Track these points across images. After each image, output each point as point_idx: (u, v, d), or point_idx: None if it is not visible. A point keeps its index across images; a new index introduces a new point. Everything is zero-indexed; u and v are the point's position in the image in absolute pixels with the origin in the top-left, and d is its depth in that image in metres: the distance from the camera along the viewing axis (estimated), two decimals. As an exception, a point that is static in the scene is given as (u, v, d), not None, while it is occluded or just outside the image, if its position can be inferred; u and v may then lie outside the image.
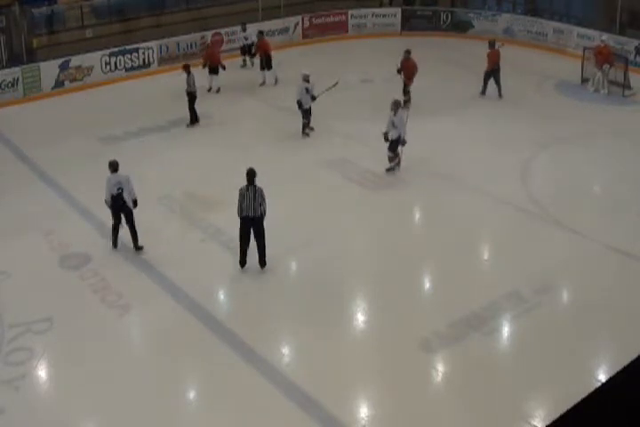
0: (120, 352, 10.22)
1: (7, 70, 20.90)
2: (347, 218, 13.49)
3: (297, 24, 25.13)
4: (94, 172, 15.08)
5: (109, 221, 12.64)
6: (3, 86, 20.17)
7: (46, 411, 9.30)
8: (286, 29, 24.97)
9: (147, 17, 23.75)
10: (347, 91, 19.77)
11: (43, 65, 21.04)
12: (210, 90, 19.69)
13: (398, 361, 9.81)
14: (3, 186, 14.87)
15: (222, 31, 23.60)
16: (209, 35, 23.41)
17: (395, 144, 15.00)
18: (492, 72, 19.61)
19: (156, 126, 17.84)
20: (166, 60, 22.30)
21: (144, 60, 22.07)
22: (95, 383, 9.58)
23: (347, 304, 11.23)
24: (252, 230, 11.54)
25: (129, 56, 21.88)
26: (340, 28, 25.74)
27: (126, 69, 21.68)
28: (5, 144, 17.21)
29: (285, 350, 10.21)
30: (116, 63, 21.57)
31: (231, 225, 13.00)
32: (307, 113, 16.72)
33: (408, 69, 18.81)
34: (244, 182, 11.60)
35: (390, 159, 15.13)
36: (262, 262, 11.67)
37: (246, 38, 22.20)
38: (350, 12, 26.02)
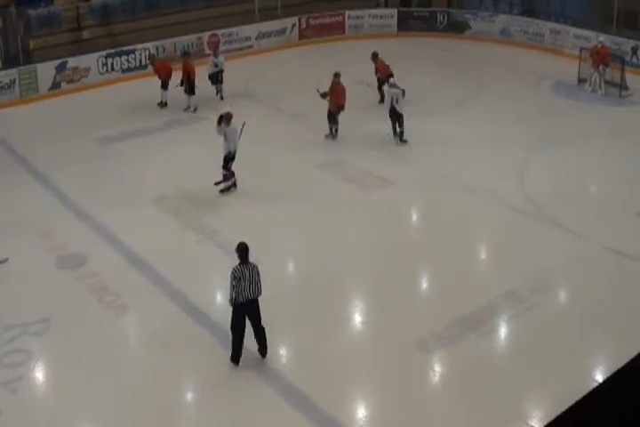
0: (117, 353, 10.20)
1: (4, 72, 20.89)
2: (344, 218, 13.51)
3: (294, 25, 25.14)
4: (91, 172, 15.17)
5: (107, 222, 12.62)
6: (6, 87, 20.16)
7: (43, 413, 9.29)
8: (283, 30, 24.97)
9: (143, 18, 23.74)
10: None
11: (39, 66, 21.03)
12: (160, 103, 19.42)
13: (396, 361, 9.82)
14: None
15: (219, 32, 23.60)
16: (205, 36, 23.42)
17: (226, 161, 14.15)
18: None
19: (152, 127, 17.84)
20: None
21: (140, 61, 22.06)
22: (92, 385, 9.56)
23: (344, 304, 11.25)
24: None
25: (125, 57, 21.87)
26: (337, 29, 25.77)
27: (123, 71, 21.66)
28: (2, 145, 17.19)
29: (283, 351, 10.19)
30: (112, 64, 21.55)
31: (226, 226, 13.11)
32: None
33: (337, 95, 16.51)
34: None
35: (224, 178, 14.24)
36: (264, 350, 9.81)
37: (216, 65, 19.50)
38: (347, 12, 26.05)
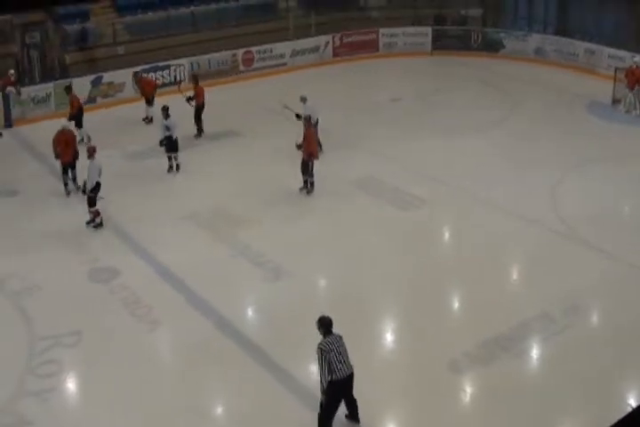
0: (149, 367, 10.24)
1: (40, 86, 21.25)
2: (375, 236, 13.46)
3: (327, 43, 25.27)
4: (121, 187, 15.27)
5: (139, 237, 12.72)
6: (36, 101, 20.46)
7: (74, 424, 9.33)
8: (317, 48, 25.10)
9: (178, 34, 24.00)
10: (377, 110, 19.89)
11: (75, 81, 21.28)
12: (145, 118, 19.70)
13: (427, 381, 9.75)
14: (34, 200, 15.03)
15: (253, 49, 23.78)
16: (240, 53, 23.61)
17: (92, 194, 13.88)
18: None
19: (185, 143, 17.95)
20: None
21: (175, 76, 22.29)
22: (123, 397, 9.61)
23: (376, 323, 11.20)
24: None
25: (160, 73, 22.12)
26: (370, 47, 25.84)
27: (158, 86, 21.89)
28: (37, 158, 17.41)
29: (314, 368, 10.13)
30: (151, 79, 21.75)
31: (259, 241, 13.16)
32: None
33: (311, 142, 14.91)
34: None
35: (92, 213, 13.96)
36: (357, 416, 8.99)
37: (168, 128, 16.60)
38: (381, 30, 26.13)
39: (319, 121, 16.70)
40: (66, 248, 13.33)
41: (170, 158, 16.23)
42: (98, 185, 13.82)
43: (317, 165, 15.24)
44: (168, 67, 22.36)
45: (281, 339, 10.59)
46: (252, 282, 12.16)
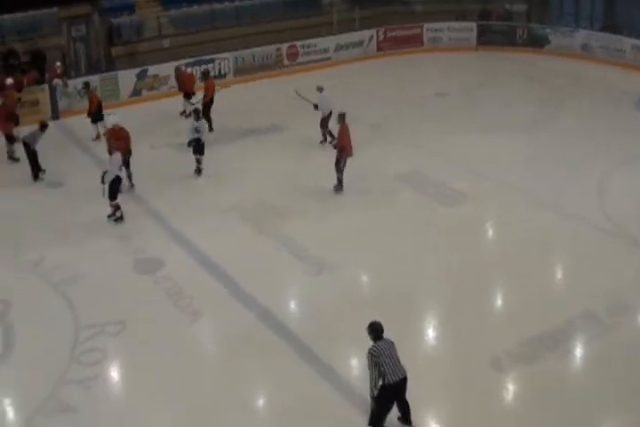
0: (190, 357, 10.29)
1: (86, 78, 21.38)
2: (418, 232, 13.37)
3: (372, 37, 25.20)
4: (169, 178, 15.38)
5: (182, 228, 12.79)
6: (82, 93, 20.65)
7: (117, 412, 9.41)
8: (361, 43, 25.05)
9: (223, 28, 24.11)
10: (422, 104, 19.78)
11: (121, 73, 21.54)
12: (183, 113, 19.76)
13: (468, 379, 9.64)
14: (79, 192, 15.16)
15: (298, 44, 23.80)
16: (284, 47, 23.63)
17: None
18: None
19: (227, 137, 18.05)
20: (242, 71, 22.57)
21: (220, 70, 22.39)
22: (165, 387, 9.68)
23: (418, 320, 11.13)
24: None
25: (205, 66, 22.21)
26: (415, 42, 25.72)
27: (202, 80, 21.97)
28: (84, 150, 17.61)
29: (355, 362, 10.13)
30: (192, 73, 21.86)
31: (302, 235, 13.16)
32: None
33: (343, 138, 14.73)
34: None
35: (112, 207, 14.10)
36: (410, 419, 8.86)
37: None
38: (426, 25, 26.00)
39: (332, 113, 16.72)
40: (110, 239, 13.48)
41: (198, 161, 16.06)
42: (117, 179, 13.93)
43: (362, 159, 15.19)
44: (212, 60, 22.48)
45: (322, 333, 10.57)
46: (295, 275, 12.17)
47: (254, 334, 10.64)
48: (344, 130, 14.68)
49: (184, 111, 19.76)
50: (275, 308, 11.21)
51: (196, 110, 16.18)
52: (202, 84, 19.26)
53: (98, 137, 18.26)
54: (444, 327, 11.00)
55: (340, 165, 14.77)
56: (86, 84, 19.20)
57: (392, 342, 8.44)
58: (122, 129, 15.17)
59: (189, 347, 10.55)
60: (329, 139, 17.00)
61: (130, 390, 9.98)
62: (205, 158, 16.03)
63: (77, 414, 9.29)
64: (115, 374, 10.32)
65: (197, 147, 15.90)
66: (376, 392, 8.32)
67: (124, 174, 14.47)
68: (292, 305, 11.76)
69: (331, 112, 16.91)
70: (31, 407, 9.49)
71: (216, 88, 18.66)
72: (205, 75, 19.46)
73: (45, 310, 11.56)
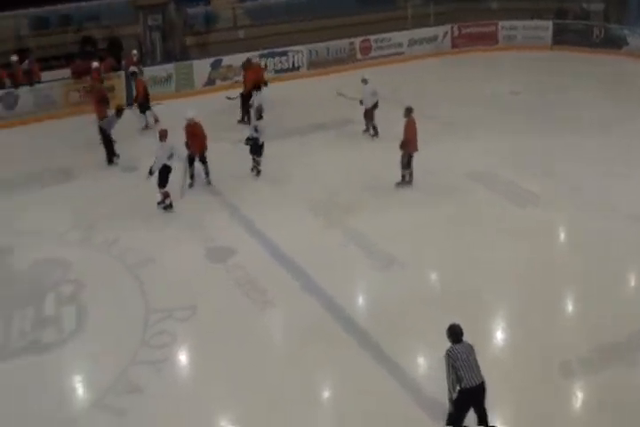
0: (258, 345, 10.40)
1: (161, 66, 21.85)
2: (489, 232, 13.19)
3: (446, 33, 25.05)
4: (240, 169, 15.51)
5: (256, 218, 13.12)
6: (157, 81, 21.00)
7: (184, 396, 9.53)
8: (435, 38, 24.93)
9: (297, 21, 24.24)
10: (495, 102, 19.58)
11: (195, 63, 21.84)
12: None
13: (536, 382, 9.47)
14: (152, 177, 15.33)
15: (371, 38, 23.77)
16: (357, 41, 23.64)
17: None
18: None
19: (299, 130, 18.16)
20: (315, 64, 22.65)
21: (293, 63, 22.52)
22: (231, 373, 9.81)
23: (487, 320, 10.99)
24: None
25: (279, 58, 22.40)
26: (489, 39, 25.46)
27: (275, 71, 22.20)
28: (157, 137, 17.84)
29: (422, 360, 10.12)
30: (265, 65, 22.05)
31: (372, 230, 13.17)
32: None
33: (409, 133, 14.65)
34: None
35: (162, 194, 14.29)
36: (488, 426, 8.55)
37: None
38: (501, 23, 25.71)
39: (378, 104, 16.94)
40: (183, 226, 13.71)
41: (254, 160, 15.80)
42: (166, 167, 14.03)
43: (433, 155, 15.13)
44: (286, 53, 22.62)
45: (389, 329, 10.53)
46: (363, 270, 12.17)
47: (322, 326, 10.67)
48: (410, 124, 14.60)
49: (251, 105, 19.83)
50: (343, 301, 11.24)
51: (258, 108, 15.86)
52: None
53: (147, 126, 18.53)
54: (513, 329, 10.86)
55: (404, 161, 14.70)
56: (133, 74, 19.49)
57: (471, 346, 8.27)
58: (196, 124, 15.09)
59: (257, 336, 10.65)
60: (372, 131, 17.47)
61: (197, 376, 10.11)
62: (278, 150, 16.09)
63: (146, 395, 9.48)
64: (183, 358, 10.51)
65: (255, 147, 15.55)
66: (454, 395, 8.22)
67: (175, 164, 14.33)
68: (360, 300, 11.78)
69: (375, 104, 17.16)
70: (102, 386, 9.74)
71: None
72: (245, 65, 19.59)
73: (117, 292, 11.85)
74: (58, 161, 17.07)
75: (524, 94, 20.25)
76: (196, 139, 14.89)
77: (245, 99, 18.78)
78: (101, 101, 17.84)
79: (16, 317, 11.29)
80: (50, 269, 12.55)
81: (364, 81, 17.41)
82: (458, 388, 8.12)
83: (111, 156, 16.76)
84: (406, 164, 14.74)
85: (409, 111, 14.63)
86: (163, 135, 14.14)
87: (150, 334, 10.67)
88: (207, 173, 15.27)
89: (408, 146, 14.57)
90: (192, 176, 15.18)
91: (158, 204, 14.32)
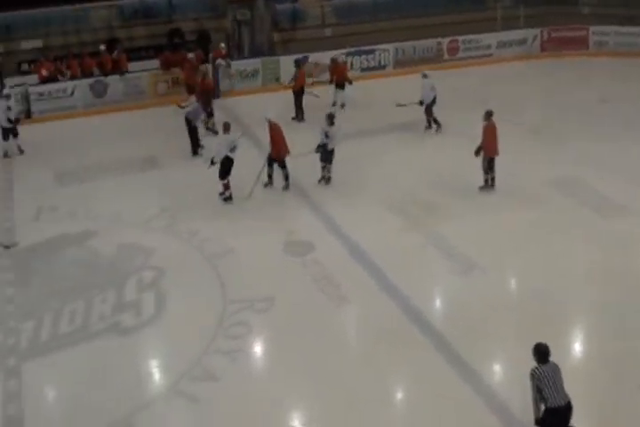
0: (332, 342, 10.41)
1: (249, 60, 22.09)
2: (571, 241, 12.85)
3: (536, 36, 24.62)
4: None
5: (335, 215, 13.17)
6: (243, 75, 21.24)
7: (257, 385, 9.67)
8: (524, 41, 24.53)
9: (384, 20, 24.17)
10: (583, 109, 19.16)
11: (282, 59, 21.95)
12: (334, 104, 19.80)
13: (616, 396, 9.16)
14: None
15: (459, 39, 23.55)
16: (445, 41, 23.45)
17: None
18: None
19: (386, 128, 18.10)
20: (402, 63, 22.55)
21: (379, 61, 22.48)
22: (304, 366, 9.85)
23: (566, 331, 10.72)
24: None
25: (365, 57, 22.39)
26: (580, 44, 24.89)
27: (362, 70, 22.18)
28: (242, 130, 17.97)
29: (498, 367, 9.98)
30: (351, 63, 22.08)
31: (452, 233, 13.06)
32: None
33: (487, 137, 14.39)
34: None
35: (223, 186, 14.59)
36: None
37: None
38: (592, 28, 25.10)
39: (436, 100, 17.12)
40: (264, 219, 13.86)
41: (323, 168, 15.28)
42: (227, 160, 14.23)
43: (517, 160, 14.89)
44: (373, 51, 22.59)
45: (467, 333, 10.37)
46: (441, 273, 12.07)
47: (397, 327, 10.62)
48: (489, 128, 14.40)
49: (334, 103, 19.91)
50: (420, 303, 11.15)
51: (329, 115, 15.23)
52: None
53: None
54: (592, 341, 10.58)
55: (484, 165, 14.52)
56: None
57: (557, 366, 8.01)
58: (273, 126, 14.93)
59: (332, 332, 10.67)
60: (434, 126, 17.64)
61: (271, 368, 10.20)
62: (357, 149, 16.02)
63: (220, 384, 9.61)
64: (258, 349, 10.64)
65: (324, 154, 15.08)
66: (540, 415, 7.98)
67: (234, 154, 14.43)
68: (438, 302, 11.70)
69: (434, 99, 17.41)
70: (178, 372, 9.91)
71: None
72: (298, 63, 19.68)
73: (196, 281, 12.04)
74: (144, 150, 17.47)
75: (614, 102, 19.72)
76: (272, 141, 14.84)
77: (298, 96, 18.94)
78: (206, 93, 18.01)
79: (97, 300, 11.59)
80: (132, 254, 12.84)
81: (425, 75, 17.59)
82: (543, 407, 7.89)
83: (196, 147, 17.02)
84: (487, 168, 14.57)
85: (489, 115, 14.45)
86: (226, 128, 14.49)
87: (227, 324, 10.81)
88: (285, 178, 15.03)
89: (485, 151, 14.37)
90: (269, 176, 15.07)
91: (220, 195, 14.53)
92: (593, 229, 13.34)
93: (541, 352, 7.99)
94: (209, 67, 20.61)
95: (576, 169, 15.63)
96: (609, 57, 24.10)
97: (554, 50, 24.67)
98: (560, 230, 13.19)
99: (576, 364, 9.95)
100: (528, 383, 7.87)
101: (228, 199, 14.52)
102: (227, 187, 14.47)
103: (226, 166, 14.31)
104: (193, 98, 17.62)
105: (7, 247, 13.18)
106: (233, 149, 14.34)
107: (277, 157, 14.81)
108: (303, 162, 15.23)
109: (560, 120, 18.35)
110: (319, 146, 14.97)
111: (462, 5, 25.05)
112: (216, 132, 17.30)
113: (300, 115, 18.84)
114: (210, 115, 18.32)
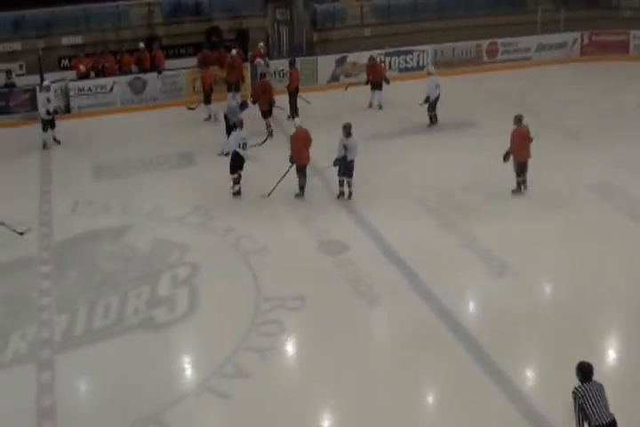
0: (363, 340, 10.42)
1: (287, 60, 21.99)
2: (608, 247, 12.62)
3: (576, 40, 24.39)
4: (358, 165, 15.37)
5: (369, 214, 13.15)
6: (282, 75, 21.27)
7: (288, 384, 9.69)
8: (564, 44, 24.31)
9: (424, 21, 24.09)
10: (621, 115, 18.94)
11: (320, 58, 22.01)
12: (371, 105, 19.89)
13: None
14: (271, 168, 15.37)
15: (499, 41, 23.40)
16: (484, 43, 23.32)
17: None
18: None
19: (422, 129, 18.08)
20: (440, 64, 22.43)
21: (418, 62, 22.41)
22: (335, 365, 9.82)
23: (598, 339, 10.58)
24: None
25: (404, 57, 22.35)
26: (620, 48, 24.58)
27: (400, 70, 22.15)
28: (278, 128, 18.06)
29: (530, 373, 9.86)
30: (390, 63, 22.05)
31: (487, 235, 12.98)
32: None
33: (515, 142, 14.27)
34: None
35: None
36: None
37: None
38: (632, 32, 24.79)
39: (440, 97, 17.50)
40: (299, 218, 13.89)
41: (341, 183, 14.54)
42: (235, 155, 14.43)
43: (554, 165, 14.76)
44: (411, 52, 22.57)
45: (500, 338, 10.25)
46: (476, 276, 11.96)
47: (429, 329, 10.55)
48: (518, 133, 14.27)
49: (370, 104, 19.87)
50: (453, 306, 11.08)
51: (345, 126, 14.22)
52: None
53: (210, 118, 19.24)
54: (626, 352, 10.34)
55: (515, 168, 14.42)
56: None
57: (601, 385, 7.80)
58: (298, 133, 14.66)
59: (364, 332, 10.66)
60: (433, 120, 18.04)
61: (302, 367, 10.22)
62: (391, 148, 15.90)
63: (251, 382, 9.62)
64: (291, 348, 10.62)
65: (343, 167, 14.28)
66: None
67: (244, 152, 14.64)
68: (471, 306, 11.61)
69: (438, 97, 17.74)
70: (209, 368, 9.95)
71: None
72: (291, 63, 19.75)
73: (230, 278, 12.10)
74: (181, 146, 17.61)
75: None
76: (291, 147, 14.59)
77: (292, 96, 18.96)
78: (266, 92, 18.13)
79: (131, 294, 11.68)
80: (167, 250, 12.93)
81: (430, 73, 17.98)
82: (586, 426, 7.72)
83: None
84: (519, 171, 14.46)
85: (519, 120, 14.31)
86: (240, 124, 14.79)
87: (260, 322, 10.83)
88: (301, 188, 14.65)
89: (514, 155, 14.26)
90: (302, 187, 14.66)
91: (231, 188, 14.75)
92: (627, 234, 13.17)
93: (585, 371, 7.76)
94: (263, 65, 20.66)
95: (612, 174, 15.45)
96: (650, 62, 23.77)
97: (594, 54, 24.39)
98: (594, 235, 13.01)
99: (604, 373, 9.58)
100: (570, 401, 7.67)
101: (236, 194, 14.73)
102: (235, 182, 14.70)
103: (236, 162, 14.56)
104: (231, 95, 17.67)
105: (21, 233, 13.28)
106: (244, 146, 14.55)
107: (297, 162, 14.48)
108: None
109: (598, 125, 18.14)
110: (337, 159, 14.28)
111: (503, 8, 24.90)
112: (270, 134, 17.50)
113: (294, 114, 18.61)
114: (266, 114, 18.07)
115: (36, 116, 18.40)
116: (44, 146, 17.93)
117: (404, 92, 20.11)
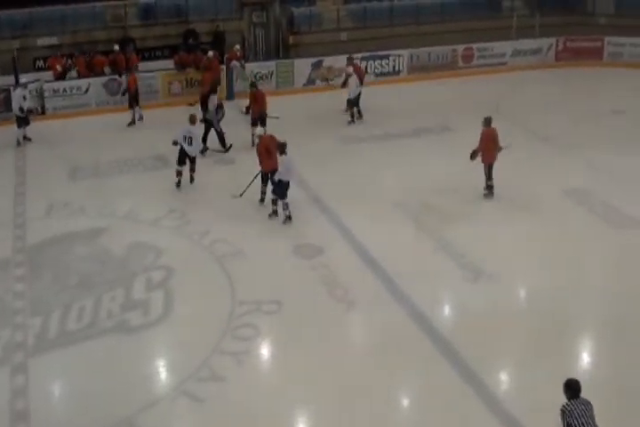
0: (338, 345, 10.42)
1: (263, 63, 22.14)
2: (583, 253, 12.80)
3: (551, 45, 24.62)
4: (334, 169, 15.55)
5: (345, 218, 13.05)
6: (257, 77, 21.27)
7: (263, 387, 9.65)
8: (539, 50, 24.52)
9: (400, 25, 24.18)
10: (596, 120, 19.14)
11: (297, 62, 22.04)
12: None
13: (626, 411, 9.02)
14: (248, 170, 15.25)
15: (474, 46, 23.55)
16: (460, 49, 23.46)
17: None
18: None
19: (398, 133, 18.10)
20: (416, 69, 22.57)
21: (394, 67, 22.48)
22: (310, 369, 9.82)
23: (575, 343, 10.68)
24: None
25: (379, 62, 22.39)
26: (594, 54, 24.85)
27: (376, 75, 22.21)
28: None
29: (505, 377, 9.93)
30: (366, 67, 22.10)
31: (463, 240, 13.03)
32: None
33: (483, 143, 14.42)
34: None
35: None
36: None
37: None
38: (607, 38, 25.06)
39: (361, 94, 18.26)
40: (274, 221, 13.85)
41: (274, 202, 13.90)
42: (181, 149, 15.00)
43: (527, 169, 14.87)
44: (387, 56, 22.60)
45: (474, 341, 10.31)
46: (452, 280, 11.98)
47: (405, 333, 10.59)
48: (485, 135, 14.43)
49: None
50: (428, 310, 11.11)
51: (282, 144, 13.73)
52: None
53: (133, 122, 19.36)
54: (602, 356, 10.39)
55: (485, 171, 14.56)
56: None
57: (588, 402, 7.74)
58: (263, 139, 14.33)
59: (339, 335, 10.68)
60: (356, 115, 18.74)
61: (278, 370, 10.21)
62: (368, 152, 15.82)
63: (226, 385, 9.60)
64: (266, 352, 10.61)
65: (278, 188, 13.73)
66: None
67: (189, 148, 15.06)
68: (447, 310, 11.65)
69: (359, 94, 18.48)
70: (184, 372, 9.92)
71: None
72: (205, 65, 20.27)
73: (205, 281, 12.07)
74: (157, 149, 17.46)
75: (628, 114, 19.68)
76: (269, 154, 14.04)
77: (204, 100, 18.79)
78: (256, 101, 17.80)
79: (106, 297, 11.59)
80: (142, 253, 12.86)
81: (350, 75, 18.66)
82: None
83: (204, 146, 16.94)
84: (489, 174, 14.58)
85: (487, 121, 14.50)
86: (191, 119, 15.25)
87: (235, 326, 10.80)
88: (262, 192, 14.31)
89: (482, 157, 14.41)
90: (263, 192, 14.37)
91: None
92: (601, 238, 13.29)
93: (573, 388, 7.71)
94: (239, 67, 20.58)
95: (586, 178, 15.64)
96: (623, 68, 24.02)
97: (568, 60, 24.64)
98: (569, 239, 13.17)
99: (584, 373, 9.78)
100: (558, 420, 7.60)
101: (177, 185, 15.18)
102: (177, 173, 15.22)
103: (180, 155, 15.12)
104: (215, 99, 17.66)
105: None
106: (190, 141, 14.94)
107: (265, 170, 14.20)
108: (315, 167, 15.22)
109: (572, 129, 18.34)
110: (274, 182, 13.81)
111: (478, 13, 25.01)
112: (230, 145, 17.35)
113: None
114: (254, 123, 17.24)
115: (10, 117, 18.28)
116: (18, 143, 17.87)
117: (380, 97, 20.22)
